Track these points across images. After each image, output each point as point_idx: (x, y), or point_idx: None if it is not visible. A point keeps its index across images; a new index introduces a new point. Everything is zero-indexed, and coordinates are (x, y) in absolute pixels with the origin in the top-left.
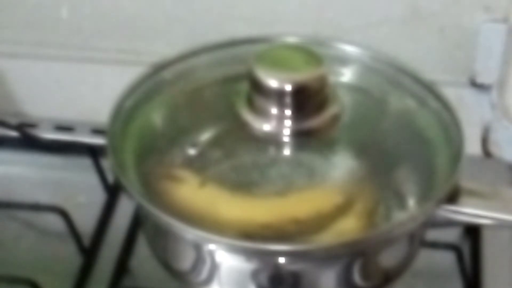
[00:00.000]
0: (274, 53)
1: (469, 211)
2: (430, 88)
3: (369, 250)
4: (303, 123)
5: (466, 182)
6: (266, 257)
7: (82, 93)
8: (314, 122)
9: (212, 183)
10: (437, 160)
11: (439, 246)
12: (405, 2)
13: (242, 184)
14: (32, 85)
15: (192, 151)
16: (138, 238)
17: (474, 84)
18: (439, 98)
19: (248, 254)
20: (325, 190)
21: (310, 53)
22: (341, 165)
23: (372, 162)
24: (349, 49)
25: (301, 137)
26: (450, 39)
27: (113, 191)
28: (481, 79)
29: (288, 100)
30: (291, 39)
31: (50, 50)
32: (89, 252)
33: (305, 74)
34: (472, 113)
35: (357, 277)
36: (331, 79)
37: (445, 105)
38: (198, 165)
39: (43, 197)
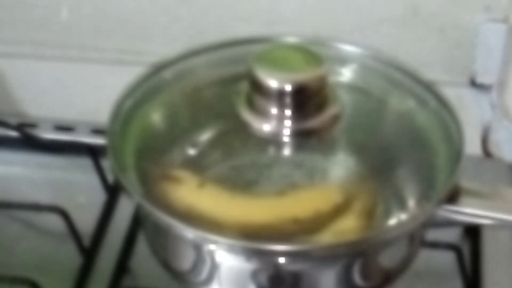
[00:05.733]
0: (274, 53)
1: (469, 211)
2: (430, 88)
3: (369, 250)
4: (303, 123)
5: (466, 182)
6: (266, 257)
7: (82, 93)
8: (314, 122)
9: (212, 183)
10: (437, 160)
11: (439, 246)
12: (405, 2)
13: (242, 184)
14: (32, 85)
15: (192, 151)
16: (138, 238)
17: (474, 84)
18: (439, 98)
19: (248, 254)
20: (325, 190)
21: (310, 53)
22: (341, 165)
23: (372, 162)
24: (349, 49)
25: (301, 137)
26: (450, 39)
27: (113, 191)
28: (481, 79)
29: (288, 100)
30: (291, 39)
31: (50, 50)
32: (89, 252)
33: (305, 74)
34: (472, 113)
35: (357, 277)
36: (331, 79)
37: (445, 105)
38: (198, 165)
39: (43, 197)
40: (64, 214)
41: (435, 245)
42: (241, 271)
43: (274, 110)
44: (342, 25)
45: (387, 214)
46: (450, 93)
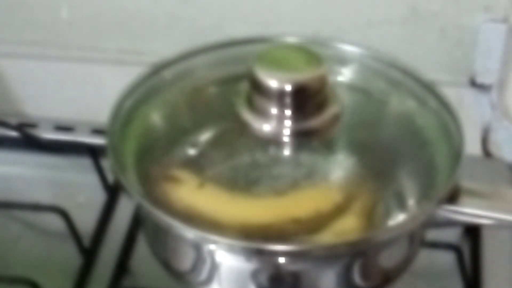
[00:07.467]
0: (274, 53)
1: (469, 211)
2: (430, 88)
3: (369, 250)
4: (303, 123)
5: (466, 182)
6: (266, 257)
7: (82, 93)
8: (314, 122)
9: (212, 183)
10: (437, 160)
11: (439, 246)
12: (405, 2)
13: (242, 184)
14: (32, 85)
15: (192, 151)
16: (138, 238)
17: (474, 84)
18: (439, 98)
19: (248, 254)
20: (325, 190)
21: (310, 53)
22: (341, 165)
23: (372, 162)
24: (349, 49)
25: (301, 137)
26: (450, 39)
27: (113, 191)
28: (481, 79)
29: (288, 100)
30: (291, 39)
31: (50, 50)
32: (89, 252)
33: (305, 74)
34: (472, 113)
35: (357, 277)
36: (331, 79)
37: (445, 105)
38: (198, 165)
39: (43, 197)
40: (64, 214)
41: (435, 245)
42: (241, 271)
43: (274, 110)
44: (342, 25)
45: (387, 214)
46: (450, 93)
